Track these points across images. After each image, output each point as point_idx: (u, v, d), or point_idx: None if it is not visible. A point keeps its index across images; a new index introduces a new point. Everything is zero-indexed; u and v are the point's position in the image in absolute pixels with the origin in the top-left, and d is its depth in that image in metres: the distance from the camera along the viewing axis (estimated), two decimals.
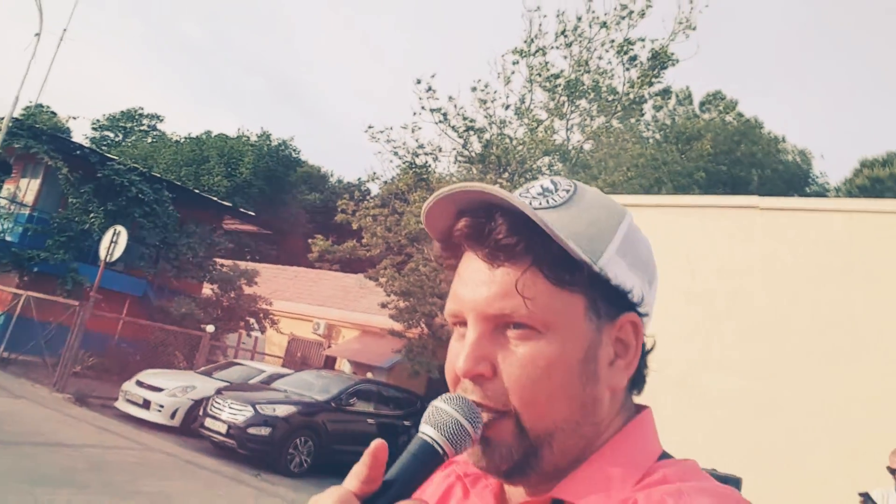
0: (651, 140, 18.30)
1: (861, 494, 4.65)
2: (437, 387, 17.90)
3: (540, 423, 0.61)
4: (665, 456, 0.67)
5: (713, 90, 21.48)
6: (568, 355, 0.62)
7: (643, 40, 15.97)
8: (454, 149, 18.84)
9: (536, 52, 16.63)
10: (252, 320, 18.21)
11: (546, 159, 18.12)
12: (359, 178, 38.05)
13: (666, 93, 17.44)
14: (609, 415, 0.66)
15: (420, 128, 19.97)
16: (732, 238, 6.28)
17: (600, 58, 16.70)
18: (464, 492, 0.72)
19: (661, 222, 6.76)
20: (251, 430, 9.19)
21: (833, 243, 5.96)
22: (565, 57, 16.85)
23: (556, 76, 16.72)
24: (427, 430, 0.60)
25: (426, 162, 18.97)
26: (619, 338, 0.66)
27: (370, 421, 10.87)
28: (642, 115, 18.39)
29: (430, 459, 0.58)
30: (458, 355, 0.63)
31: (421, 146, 18.82)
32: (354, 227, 17.07)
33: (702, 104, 20.96)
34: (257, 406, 9.44)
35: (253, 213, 23.73)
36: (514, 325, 0.62)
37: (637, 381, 0.70)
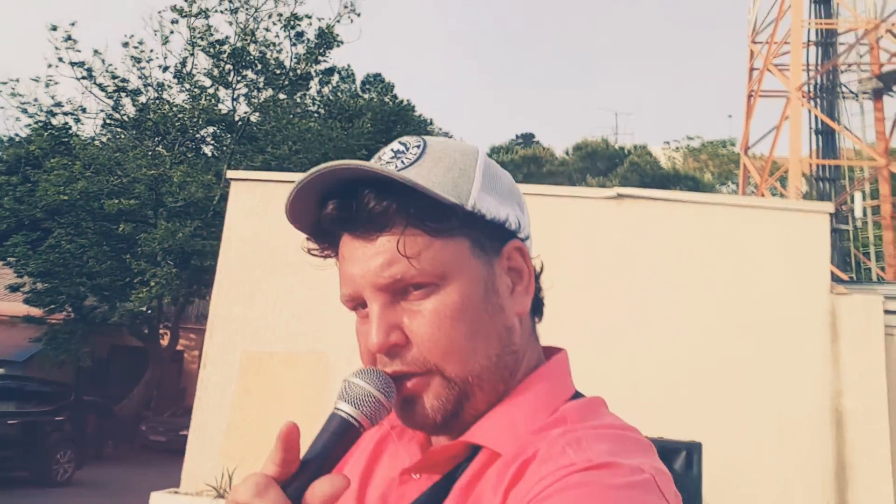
0: (316, 115, 18.87)
1: None
2: (89, 375, 16.09)
3: (465, 369, 0.64)
4: (577, 396, 0.70)
5: (373, 72, 23.10)
6: (469, 297, 0.65)
7: (310, 17, 16.38)
8: (102, 110, 16.87)
9: (199, 13, 15.80)
10: None
11: (211, 129, 17.42)
12: None
13: (331, 71, 18.19)
14: (522, 341, 0.70)
15: (57, 83, 17.31)
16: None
17: (267, 30, 16.63)
18: (393, 447, 0.75)
19: None
20: None
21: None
22: (231, 23, 16.36)
23: (222, 42, 16.14)
24: (342, 406, 0.61)
25: (66, 123, 16.61)
26: (510, 266, 0.70)
27: (12, 422, 9.43)
28: (308, 89, 18.88)
29: (347, 434, 0.60)
30: (366, 334, 0.65)
31: (58, 104, 16.41)
32: None
33: (363, 84, 22.39)
34: None
35: None
36: (413, 286, 0.64)
37: (536, 306, 0.73)
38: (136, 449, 14.67)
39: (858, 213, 14.05)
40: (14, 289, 15.02)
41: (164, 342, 16.38)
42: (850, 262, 15.28)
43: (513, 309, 0.69)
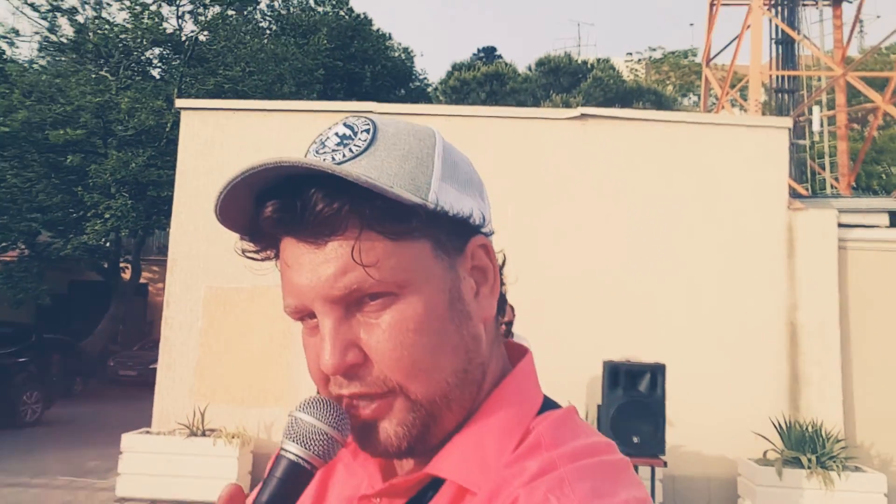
0: (269, 32, 17.98)
1: None
2: (49, 313, 15.83)
3: (430, 389, 0.58)
4: (546, 405, 0.64)
5: None
6: (433, 306, 0.58)
7: None
8: (37, 32, 15.80)
9: None
10: None
11: (157, 50, 16.50)
12: None
13: None
14: (488, 350, 0.63)
15: None
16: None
17: None
18: (349, 460, 0.68)
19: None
20: None
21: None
22: None
23: None
24: (289, 447, 0.55)
25: None
26: (474, 266, 0.63)
27: None
28: (258, 4, 17.91)
29: (298, 479, 0.55)
30: (317, 352, 0.58)
31: None
32: None
33: None
34: None
35: None
36: (369, 296, 0.57)
37: (501, 306, 0.67)
38: (105, 384, 14.68)
39: (816, 125, 14.20)
40: None
41: (126, 275, 16.10)
42: (806, 172, 15.59)
43: (479, 314, 0.62)
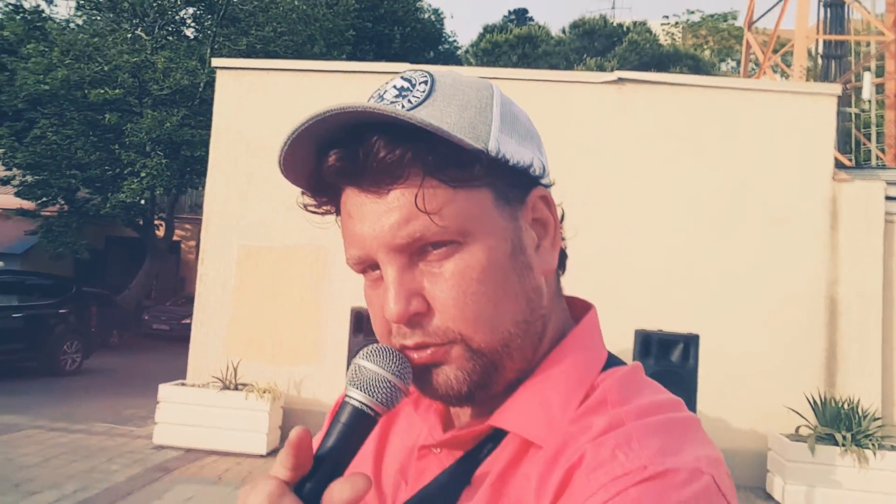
0: None
1: None
2: (87, 268, 16.24)
3: (493, 338, 0.57)
4: (610, 362, 0.64)
5: None
6: (496, 256, 0.57)
7: None
8: None
9: None
10: None
11: (191, 10, 16.48)
12: None
13: None
14: (549, 302, 0.63)
15: None
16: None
17: None
18: (410, 410, 0.69)
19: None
20: None
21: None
22: None
23: None
24: (354, 394, 0.56)
25: (37, 6, 15.69)
26: (535, 218, 0.62)
27: (16, 315, 9.60)
28: None
29: (362, 425, 0.55)
30: (381, 303, 0.58)
31: None
32: None
33: None
34: None
35: None
36: (432, 245, 0.56)
37: (560, 259, 0.66)
38: (140, 337, 15.10)
39: (866, 93, 13.64)
40: (4, 182, 14.79)
41: (160, 233, 16.39)
42: (850, 142, 15.07)
43: (540, 267, 0.62)
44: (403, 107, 0.57)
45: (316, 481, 0.51)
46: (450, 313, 0.56)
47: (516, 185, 0.61)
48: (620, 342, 5.73)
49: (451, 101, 0.58)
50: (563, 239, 0.66)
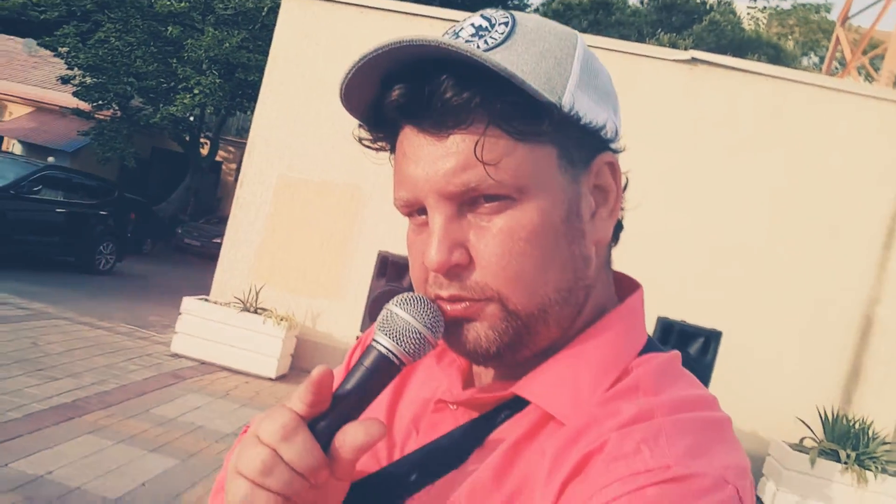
0: None
1: None
2: (131, 175, 16.59)
3: (531, 302, 0.55)
4: (649, 346, 0.60)
5: None
6: (549, 218, 0.54)
7: None
8: None
9: None
10: None
11: None
12: None
13: None
14: (595, 274, 0.59)
15: None
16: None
17: None
18: (431, 362, 0.67)
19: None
20: None
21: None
22: None
23: None
24: (381, 340, 0.54)
25: None
26: (597, 184, 0.58)
27: (60, 210, 9.88)
28: None
29: (385, 371, 0.54)
30: (422, 248, 0.56)
31: None
32: None
33: None
34: None
35: None
36: (485, 197, 0.54)
37: (617, 231, 0.62)
38: (171, 249, 15.46)
39: None
40: (65, 80, 15.07)
41: (204, 151, 16.62)
42: None
43: (592, 235, 0.58)
44: (479, 47, 0.54)
45: (331, 420, 0.51)
46: (491, 270, 0.54)
47: (584, 145, 0.57)
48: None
49: (531, 46, 0.54)
50: (621, 209, 0.62)
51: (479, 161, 0.52)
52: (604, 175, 0.59)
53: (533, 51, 0.54)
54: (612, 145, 0.59)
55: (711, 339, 3.84)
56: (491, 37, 0.55)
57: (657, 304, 5.13)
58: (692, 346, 3.82)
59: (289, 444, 0.48)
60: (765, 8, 30.10)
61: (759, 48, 20.89)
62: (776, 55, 20.87)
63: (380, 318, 0.56)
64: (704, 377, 3.72)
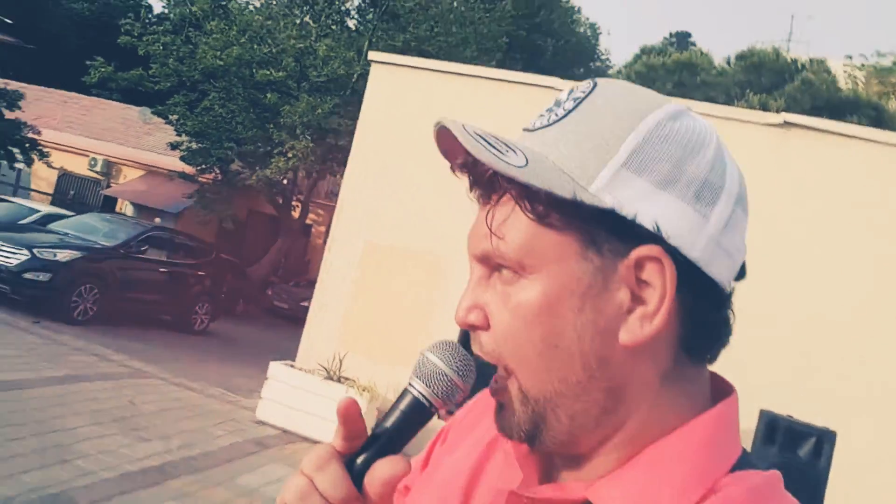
0: None
1: None
2: (228, 236, 17.45)
3: (536, 384, 0.54)
4: (742, 462, 0.54)
5: None
6: (554, 302, 0.52)
7: None
8: None
9: None
10: (16, 150, 15.76)
11: (356, 1, 17.26)
12: None
13: None
14: (639, 383, 0.54)
15: None
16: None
17: None
18: (510, 449, 0.65)
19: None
20: (27, 276, 8.47)
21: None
22: None
23: None
24: (415, 384, 0.58)
25: None
26: (638, 278, 0.52)
27: (162, 270, 10.47)
28: None
29: (418, 414, 0.57)
30: None
31: None
32: (141, 53, 15.11)
33: None
34: (35, 250, 8.65)
35: (10, 21, 19.75)
36: (502, 267, 0.55)
37: (695, 343, 0.55)
38: (261, 311, 15.99)
39: None
40: (174, 146, 16.22)
41: (296, 214, 17.29)
42: None
43: (616, 335, 0.52)
44: (545, 121, 0.56)
45: (367, 457, 0.55)
46: (501, 338, 0.55)
47: (622, 235, 0.51)
48: (741, 422, 5.22)
49: (581, 125, 0.54)
50: (719, 322, 0.57)
51: (489, 229, 0.54)
52: (647, 271, 0.52)
53: (580, 131, 0.53)
54: (673, 241, 0.51)
55: (825, 439, 3.46)
56: (555, 113, 0.56)
57: (758, 396, 4.62)
58: (802, 446, 3.46)
59: (322, 475, 0.53)
60: (863, 66, 28.61)
61: (858, 109, 19.72)
62: (878, 116, 19.62)
63: (416, 363, 0.59)
64: (819, 484, 3.34)
